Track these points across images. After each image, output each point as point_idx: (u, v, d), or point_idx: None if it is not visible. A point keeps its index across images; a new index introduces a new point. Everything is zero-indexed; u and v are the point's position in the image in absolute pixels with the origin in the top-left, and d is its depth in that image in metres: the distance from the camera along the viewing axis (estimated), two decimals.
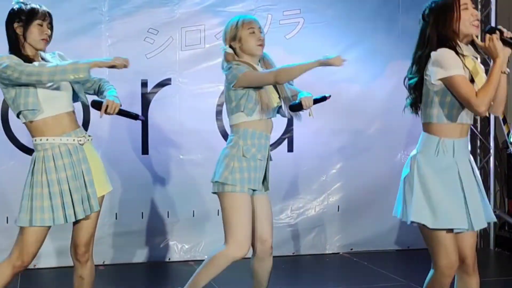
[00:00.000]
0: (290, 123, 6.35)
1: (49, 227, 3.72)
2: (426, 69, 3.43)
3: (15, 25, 3.72)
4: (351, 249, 6.62)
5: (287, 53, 6.31)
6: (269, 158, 4.15)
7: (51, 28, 3.82)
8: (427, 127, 3.56)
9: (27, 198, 3.67)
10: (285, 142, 6.44)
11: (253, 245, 4.14)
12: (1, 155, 5.82)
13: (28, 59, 3.71)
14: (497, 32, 3.31)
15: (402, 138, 6.71)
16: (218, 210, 6.27)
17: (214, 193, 4.09)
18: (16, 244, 3.73)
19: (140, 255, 6.18)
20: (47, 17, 3.77)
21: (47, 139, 3.72)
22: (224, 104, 4.20)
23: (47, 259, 5.88)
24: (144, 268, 6.02)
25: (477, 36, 3.41)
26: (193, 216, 6.24)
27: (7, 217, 5.85)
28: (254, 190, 4.07)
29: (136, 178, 6.11)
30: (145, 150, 6.13)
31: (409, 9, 6.60)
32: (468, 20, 3.39)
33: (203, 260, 5.68)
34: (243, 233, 3.96)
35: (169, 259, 6.21)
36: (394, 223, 6.72)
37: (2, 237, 5.61)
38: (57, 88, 3.74)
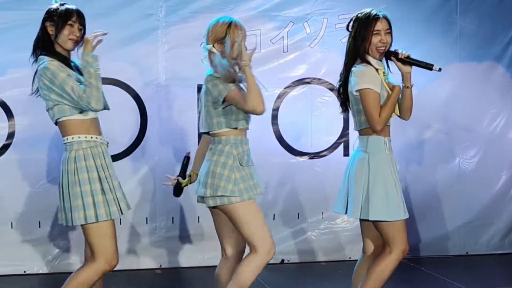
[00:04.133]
0: (346, 128, 6.33)
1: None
2: (349, 81, 3.97)
3: (47, 24, 3.80)
4: (408, 254, 6.52)
5: (343, 57, 6.29)
6: None
7: (82, 30, 3.85)
8: (365, 131, 4.00)
9: (89, 194, 3.69)
10: (341, 146, 6.41)
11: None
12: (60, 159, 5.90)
13: (62, 57, 3.80)
14: (393, 55, 3.96)
15: (460, 142, 6.63)
16: (274, 215, 6.35)
17: (214, 207, 3.97)
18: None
19: (196, 259, 6.21)
20: (78, 18, 3.82)
21: (91, 137, 3.79)
22: (205, 113, 3.95)
23: None
24: (200, 272, 6.04)
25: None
26: None
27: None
28: None
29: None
30: None
31: (467, 11, 6.52)
32: (375, 45, 3.95)
33: None
34: (268, 236, 3.90)
35: None
36: (452, 228, 6.64)
37: (63, 240, 5.72)
38: None
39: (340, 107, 4.19)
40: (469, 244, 6.70)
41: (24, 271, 5.92)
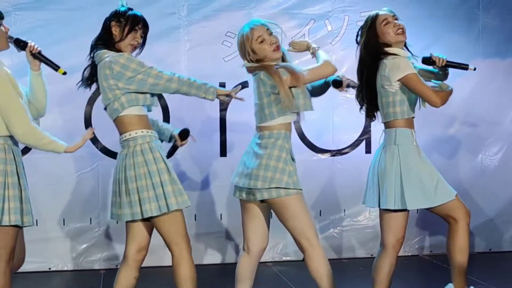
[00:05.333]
0: (367, 125, 6.32)
1: None
2: (380, 75, 4.05)
3: (113, 23, 3.89)
4: (431, 251, 6.54)
5: None
6: None
7: (143, 39, 3.97)
8: (393, 123, 4.09)
9: (159, 185, 3.86)
10: (363, 143, 6.41)
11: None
12: (85, 158, 5.96)
13: None
14: (432, 63, 4.15)
15: (483, 138, 6.60)
16: None
17: (263, 200, 4.00)
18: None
19: (219, 256, 6.25)
20: (143, 26, 3.94)
21: (150, 132, 3.95)
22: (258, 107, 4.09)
23: None
24: (223, 269, 6.07)
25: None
26: (271, 217, 6.26)
27: (90, 218, 6.00)
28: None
29: (215, 180, 6.18)
30: (223, 152, 6.19)
31: (490, 7, 6.50)
32: (392, 31, 4.07)
33: (281, 261, 5.74)
34: (314, 228, 3.98)
35: None
36: (475, 225, 6.59)
37: (87, 237, 5.77)
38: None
39: (359, 103, 4.32)
40: (492, 241, 6.67)
41: (49, 268, 5.99)
